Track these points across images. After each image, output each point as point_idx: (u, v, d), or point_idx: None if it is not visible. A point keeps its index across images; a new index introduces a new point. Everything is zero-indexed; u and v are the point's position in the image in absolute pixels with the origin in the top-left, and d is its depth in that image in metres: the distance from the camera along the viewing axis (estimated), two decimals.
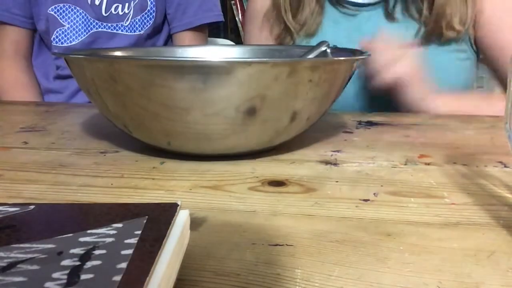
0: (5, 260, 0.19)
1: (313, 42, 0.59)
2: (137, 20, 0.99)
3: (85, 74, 0.41)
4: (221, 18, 1.06)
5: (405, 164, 0.43)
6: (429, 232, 0.29)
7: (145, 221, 0.22)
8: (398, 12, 0.77)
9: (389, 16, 0.77)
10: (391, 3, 0.77)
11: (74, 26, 0.97)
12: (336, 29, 0.78)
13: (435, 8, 0.72)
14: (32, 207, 0.24)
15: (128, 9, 0.98)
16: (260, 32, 0.84)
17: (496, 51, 0.76)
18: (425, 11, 0.74)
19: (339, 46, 0.75)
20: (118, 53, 0.59)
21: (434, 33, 0.74)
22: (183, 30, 1.03)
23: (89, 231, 0.21)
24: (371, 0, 0.77)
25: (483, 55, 0.79)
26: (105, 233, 0.21)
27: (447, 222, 0.31)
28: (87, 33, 0.98)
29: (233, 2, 1.82)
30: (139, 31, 1.00)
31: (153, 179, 0.39)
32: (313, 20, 0.78)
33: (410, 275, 0.24)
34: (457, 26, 0.73)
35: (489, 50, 0.77)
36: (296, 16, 0.78)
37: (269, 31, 0.82)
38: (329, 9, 0.79)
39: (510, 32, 0.75)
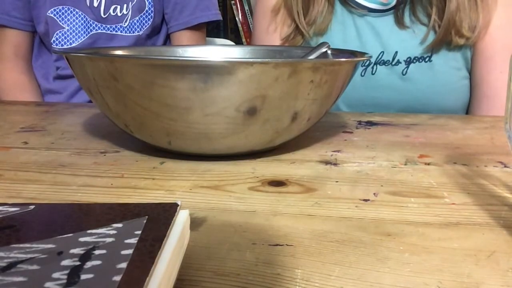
0: (5, 260, 0.19)
1: (323, 40, 0.58)
2: (135, 21, 0.99)
3: (86, 72, 0.41)
4: (219, 17, 1.06)
5: (405, 164, 0.43)
6: (429, 232, 0.29)
7: (145, 221, 0.22)
8: (407, 17, 0.75)
9: (399, 21, 0.75)
10: (400, 9, 0.75)
11: (74, 28, 0.97)
12: (344, 30, 0.77)
13: (446, 15, 0.70)
14: (32, 207, 0.24)
15: (126, 10, 0.98)
16: (268, 33, 0.83)
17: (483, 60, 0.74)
18: (433, 16, 0.72)
19: (347, 47, 0.75)
20: (119, 52, 0.59)
21: (444, 40, 0.72)
22: (181, 30, 1.03)
23: (89, 231, 0.21)
24: (380, 7, 0.76)
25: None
26: (105, 233, 0.21)
27: (447, 222, 0.31)
28: (86, 35, 0.98)
29: (233, 2, 1.82)
30: (138, 31, 1.00)
31: (153, 179, 0.39)
32: (322, 19, 0.77)
33: (410, 275, 0.24)
34: (466, 33, 0.71)
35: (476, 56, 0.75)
36: (306, 16, 0.77)
37: (278, 32, 0.81)
38: (339, 9, 0.79)
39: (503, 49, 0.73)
